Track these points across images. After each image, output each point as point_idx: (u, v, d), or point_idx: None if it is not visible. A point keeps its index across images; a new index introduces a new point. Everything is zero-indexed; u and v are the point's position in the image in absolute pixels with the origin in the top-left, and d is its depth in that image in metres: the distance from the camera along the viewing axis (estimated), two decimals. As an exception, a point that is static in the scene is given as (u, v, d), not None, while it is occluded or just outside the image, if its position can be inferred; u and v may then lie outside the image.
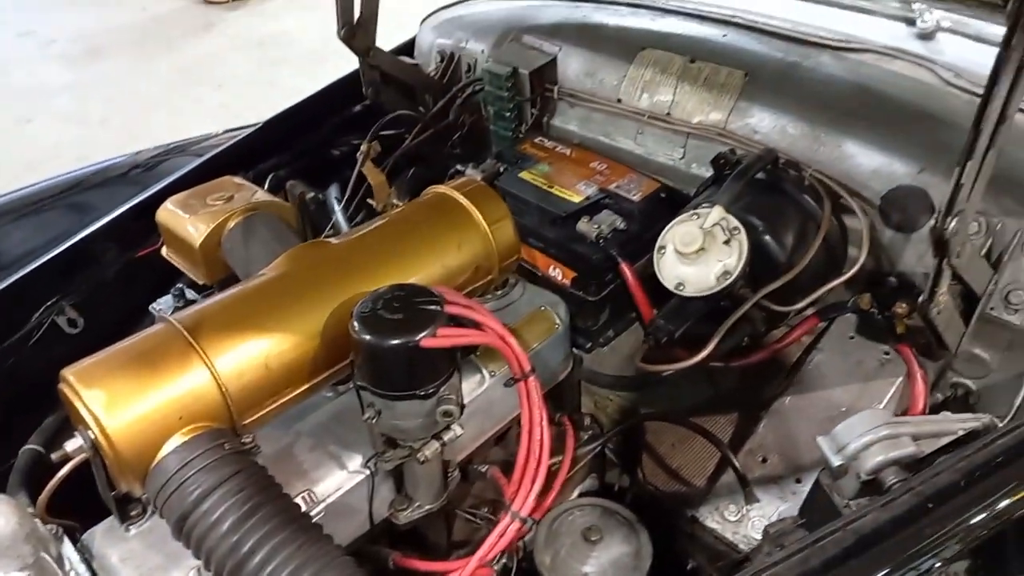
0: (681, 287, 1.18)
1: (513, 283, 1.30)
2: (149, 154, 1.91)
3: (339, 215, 1.59)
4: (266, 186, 1.50)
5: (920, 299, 1.05)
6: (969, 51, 1.34)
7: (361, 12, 1.58)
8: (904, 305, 1.20)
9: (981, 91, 0.85)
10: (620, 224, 1.36)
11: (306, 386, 0.96)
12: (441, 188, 1.17)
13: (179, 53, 5.25)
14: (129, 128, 4.35)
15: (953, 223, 0.91)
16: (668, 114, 1.47)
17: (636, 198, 1.42)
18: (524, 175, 1.49)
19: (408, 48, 1.94)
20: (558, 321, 1.25)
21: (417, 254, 1.08)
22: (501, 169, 1.51)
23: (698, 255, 1.16)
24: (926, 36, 1.37)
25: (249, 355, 0.89)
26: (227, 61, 5.10)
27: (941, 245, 0.93)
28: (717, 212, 1.17)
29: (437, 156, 1.77)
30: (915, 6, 1.36)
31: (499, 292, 1.28)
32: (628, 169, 1.49)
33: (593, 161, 1.52)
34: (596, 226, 1.34)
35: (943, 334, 1.08)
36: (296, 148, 1.71)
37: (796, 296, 1.21)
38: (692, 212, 1.20)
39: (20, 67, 5.06)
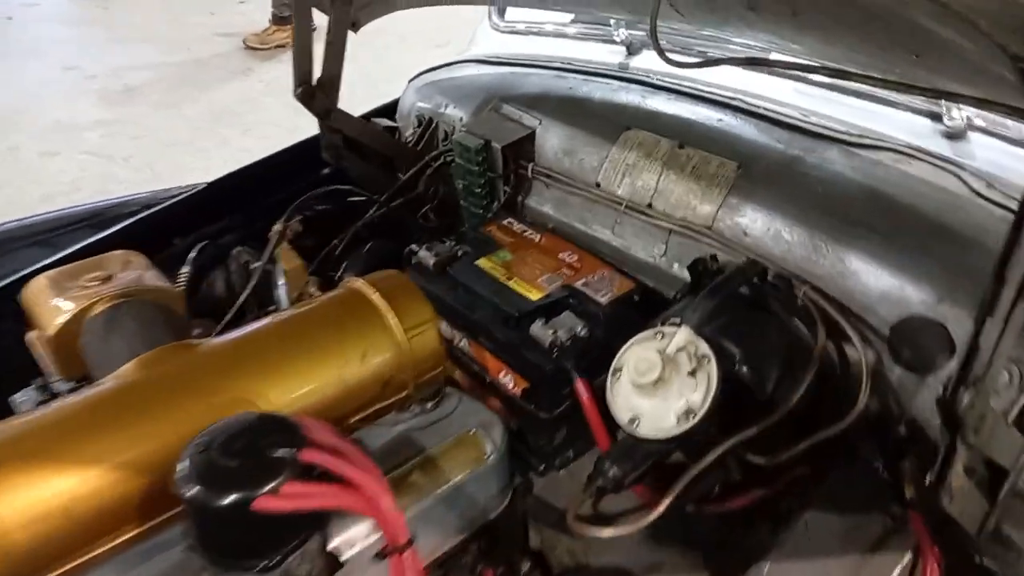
0: (635, 423, 0.95)
1: (447, 394, 1.08)
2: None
3: (282, 291, 1.39)
4: (193, 253, 1.31)
5: (928, 480, 0.80)
6: (1004, 156, 1.10)
7: (323, 71, 1.41)
8: (915, 461, 0.95)
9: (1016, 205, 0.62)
10: (581, 330, 1.14)
11: (131, 534, 0.74)
12: (356, 282, 0.96)
13: (213, 95, 5.23)
14: (152, 166, 4.28)
15: (968, 397, 0.66)
16: (650, 205, 1.25)
17: (605, 299, 1.19)
18: (482, 263, 1.28)
19: (392, 109, 1.77)
20: (490, 449, 1.02)
21: (308, 365, 0.86)
22: (459, 253, 1.30)
23: (657, 387, 0.92)
24: (954, 135, 1.13)
25: (43, 497, 0.68)
26: (258, 106, 5.04)
27: (953, 420, 0.69)
28: (683, 335, 0.93)
29: (404, 228, 1.57)
30: (941, 100, 1.13)
31: (429, 405, 1.06)
32: (601, 263, 1.27)
33: (563, 251, 1.30)
34: (552, 331, 1.12)
35: (960, 520, 0.82)
36: (249, 211, 1.53)
37: (780, 443, 0.96)
38: (656, 330, 0.97)
39: (57, 101, 5.07)
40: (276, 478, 0.68)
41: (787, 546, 0.99)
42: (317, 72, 1.39)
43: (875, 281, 1.00)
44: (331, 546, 0.75)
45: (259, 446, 0.71)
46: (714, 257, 1.08)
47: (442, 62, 1.77)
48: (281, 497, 0.67)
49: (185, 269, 1.27)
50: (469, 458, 0.99)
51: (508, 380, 1.15)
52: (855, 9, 0.76)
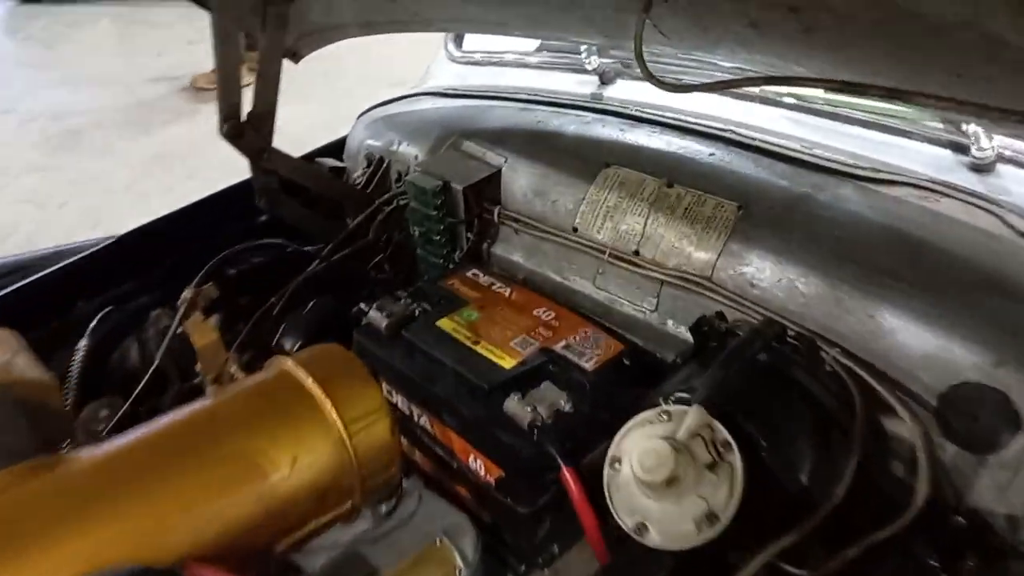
0: (643, 530, 0.75)
1: (405, 491, 0.87)
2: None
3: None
4: (94, 323, 1.08)
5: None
6: (1042, 190, 0.96)
7: (254, 104, 1.21)
8: (977, 560, 0.78)
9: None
10: (565, 405, 0.94)
11: None
12: (284, 363, 0.75)
13: (158, 138, 4.96)
14: (89, 213, 4.00)
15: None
16: (637, 252, 1.07)
17: (590, 365, 1.00)
18: (444, 323, 1.08)
19: (339, 148, 1.58)
20: (461, 563, 0.81)
21: (215, 481, 0.65)
22: (416, 312, 1.10)
23: (669, 486, 0.73)
24: (982, 167, 0.98)
25: None
26: (205, 150, 4.78)
27: None
28: (696, 416, 0.75)
29: (353, 283, 1.37)
30: (968, 128, 0.98)
31: (383, 508, 0.85)
32: (583, 321, 1.08)
33: (538, 307, 1.11)
34: (530, 407, 0.92)
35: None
36: (172, 266, 1.31)
37: (819, 547, 0.77)
38: (660, 410, 0.78)
39: (-8, 146, 4.76)
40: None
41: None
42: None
43: (915, 341, 0.83)
44: None
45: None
46: (721, 315, 0.90)
47: (395, 96, 1.59)
48: None
49: (83, 343, 1.04)
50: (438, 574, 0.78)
51: (479, 466, 0.95)
52: (908, 24, 0.60)
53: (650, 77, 0.86)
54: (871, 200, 0.95)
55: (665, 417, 0.77)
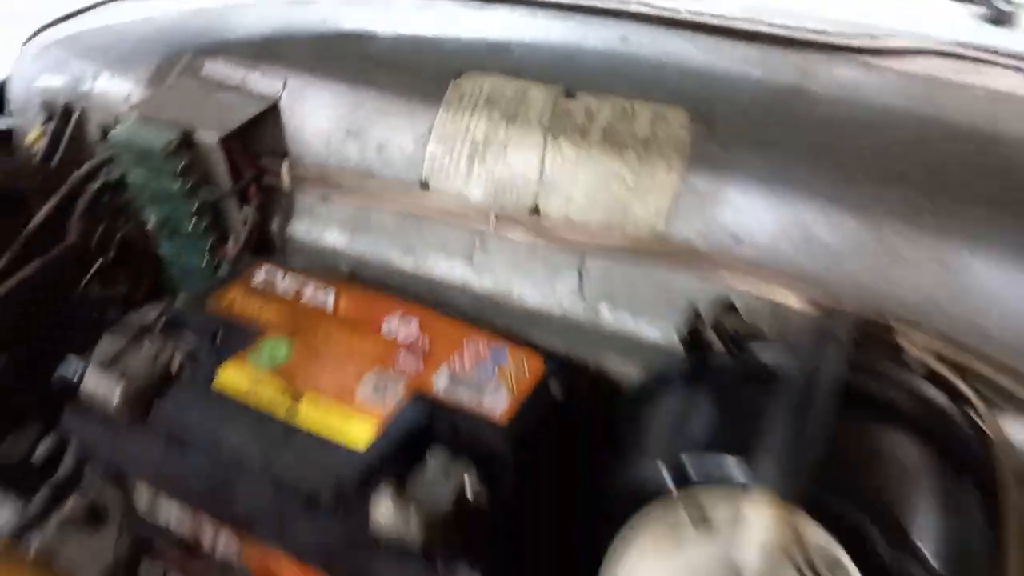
0: None
1: None
2: None
3: None
4: None
5: None
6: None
7: None
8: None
9: None
10: (475, 495, 0.57)
11: None
12: None
13: None
14: None
15: None
16: (536, 210, 0.70)
17: (500, 409, 0.62)
18: (229, 377, 0.65)
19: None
20: None
21: None
22: (174, 366, 0.65)
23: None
24: (1002, 20, 0.72)
25: None
26: None
27: None
28: (772, 519, 0.41)
29: (56, 317, 0.87)
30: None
31: None
32: (466, 328, 0.70)
33: (389, 314, 0.71)
34: (415, 512, 0.53)
35: None
36: None
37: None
38: (684, 511, 0.43)
39: None
40: None
41: None
42: None
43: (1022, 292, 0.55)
44: None
45: None
46: (730, 306, 0.56)
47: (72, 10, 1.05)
48: None
49: None
50: None
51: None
52: None
53: None
54: (889, 83, 0.65)
55: (699, 523, 0.42)
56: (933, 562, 0.45)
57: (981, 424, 0.51)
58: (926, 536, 0.45)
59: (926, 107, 0.63)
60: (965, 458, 0.49)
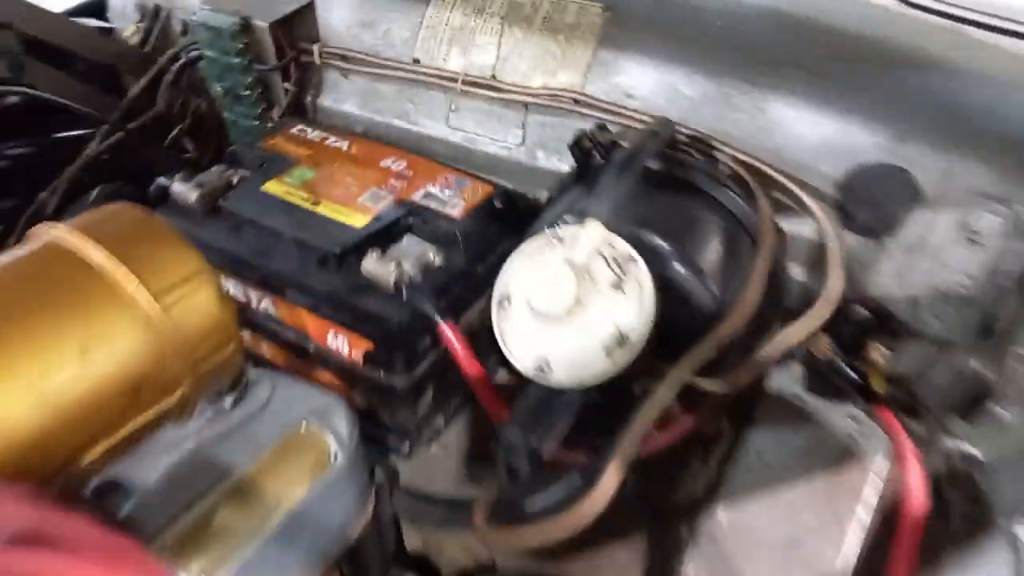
0: (546, 370, 0.68)
1: (253, 381, 0.75)
2: None
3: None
4: None
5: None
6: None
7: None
8: (881, 347, 0.78)
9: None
10: (434, 258, 0.84)
11: None
12: (54, 230, 0.58)
13: None
14: None
15: None
16: (494, 77, 0.97)
17: (457, 212, 0.90)
18: (271, 187, 0.93)
19: (97, 6, 1.31)
20: (334, 445, 0.71)
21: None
22: (234, 180, 0.94)
23: (572, 314, 0.66)
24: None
25: None
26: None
27: None
28: (594, 232, 0.67)
29: (148, 165, 1.16)
30: None
31: (227, 401, 0.72)
32: (441, 167, 0.97)
33: (385, 157, 0.99)
34: (394, 264, 0.81)
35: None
36: None
37: (728, 360, 0.74)
38: (550, 234, 0.70)
39: None
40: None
41: (741, 487, 0.80)
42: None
43: (809, 129, 0.81)
44: None
45: None
46: (603, 127, 0.83)
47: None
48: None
49: None
50: (305, 467, 0.68)
51: (341, 344, 0.83)
52: None
53: None
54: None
55: (556, 241, 0.69)
56: (711, 280, 0.71)
57: (757, 197, 0.76)
58: (708, 261, 0.72)
59: (781, 4, 0.87)
60: (743, 221, 0.75)
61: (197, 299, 0.60)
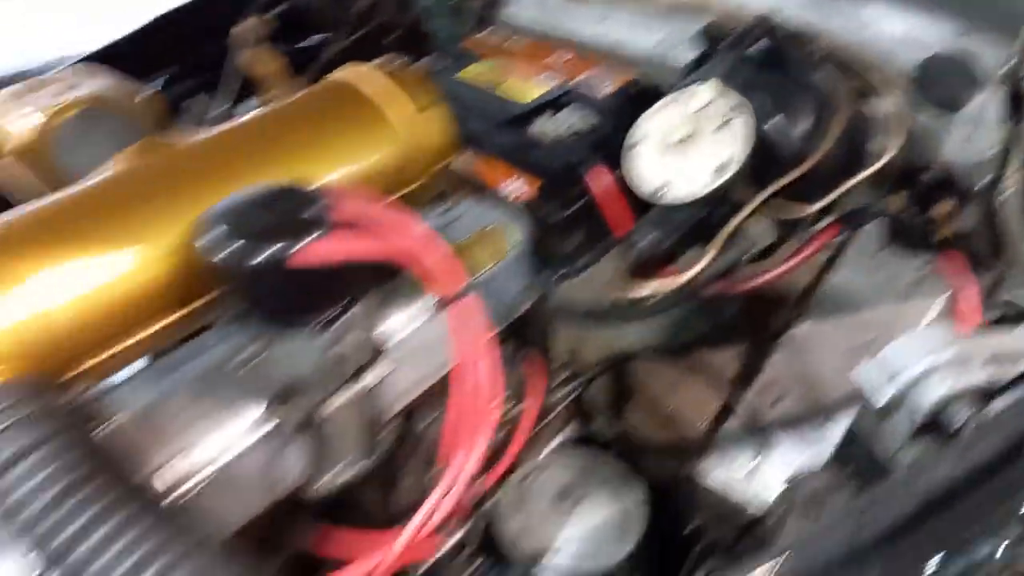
0: (663, 192, 0.95)
1: (457, 198, 1.06)
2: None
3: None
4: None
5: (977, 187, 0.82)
6: None
7: None
8: (947, 204, 0.99)
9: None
10: (587, 122, 1.12)
11: (168, 320, 0.71)
12: (343, 70, 0.91)
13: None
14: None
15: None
16: (639, -9, 1.23)
17: (606, 92, 1.17)
18: (462, 75, 1.24)
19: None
20: (513, 240, 1.01)
21: (304, 152, 0.83)
22: (434, 70, 1.26)
23: (684, 146, 0.92)
24: None
25: (67, 286, 0.65)
26: None
27: (1018, 98, 0.71)
28: (710, 88, 0.93)
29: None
30: None
31: (439, 209, 1.04)
32: (594, 62, 1.24)
33: (550, 55, 1.27)
34: (556, 126, 1.10)
35: (1007, 230, 0.86)
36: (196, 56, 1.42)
37: (811, 197, 0.98)
38: (675, 94, 0.96)
39: None
40: (306, 234, 0.65)
41: (822, 307, 1.04)
42: None
43: (892, 27, 1.01)
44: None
45: (283, 208, 0.68)
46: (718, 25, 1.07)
47: None
48: (310, 253, 0.64)
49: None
50: (493, 251, 0.99)
51: (518, 185, 1.13)
52: None
53: None
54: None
55: (679, 95, 0.95)
56: (795, 133, 0.95)
57: (839, 77, 0.98)
58: (795, 120, 0.95)
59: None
60: (827, 95, 0.98)
61: (435, 118, 0.92)
